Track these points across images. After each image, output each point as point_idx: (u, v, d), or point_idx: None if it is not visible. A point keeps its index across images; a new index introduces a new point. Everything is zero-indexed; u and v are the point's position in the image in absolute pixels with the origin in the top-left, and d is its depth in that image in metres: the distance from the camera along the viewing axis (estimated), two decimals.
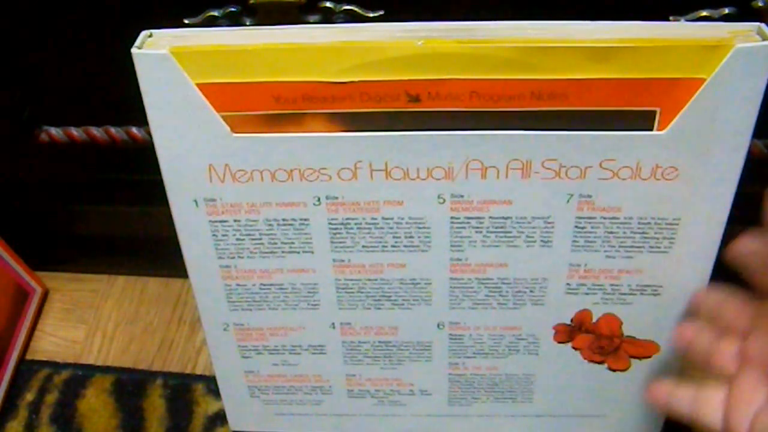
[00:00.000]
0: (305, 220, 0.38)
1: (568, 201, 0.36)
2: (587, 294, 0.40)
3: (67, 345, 0.56)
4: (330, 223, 0.38)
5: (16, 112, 0.47)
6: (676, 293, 0.39)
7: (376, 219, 0.38)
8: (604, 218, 0.37)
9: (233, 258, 0.40)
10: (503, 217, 0.37)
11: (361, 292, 0.41)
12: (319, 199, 0.37)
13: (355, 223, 0.38)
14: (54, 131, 0.48)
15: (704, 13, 0.38)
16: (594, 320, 0.41)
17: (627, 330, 0.41)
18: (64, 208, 0.55)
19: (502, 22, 0.33)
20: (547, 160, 0.35)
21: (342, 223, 0.38)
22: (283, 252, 0.39)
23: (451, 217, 0.37)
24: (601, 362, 0.43)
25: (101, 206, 0.54)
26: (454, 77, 0.33)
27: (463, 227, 0.38)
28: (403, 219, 0.38)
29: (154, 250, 0.55)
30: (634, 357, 0.43)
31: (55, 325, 0.57)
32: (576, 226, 0.37)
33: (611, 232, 0.37)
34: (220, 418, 0.50)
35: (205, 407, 0.51)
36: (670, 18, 0.38)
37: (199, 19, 0.40)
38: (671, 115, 0.33)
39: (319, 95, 0.34)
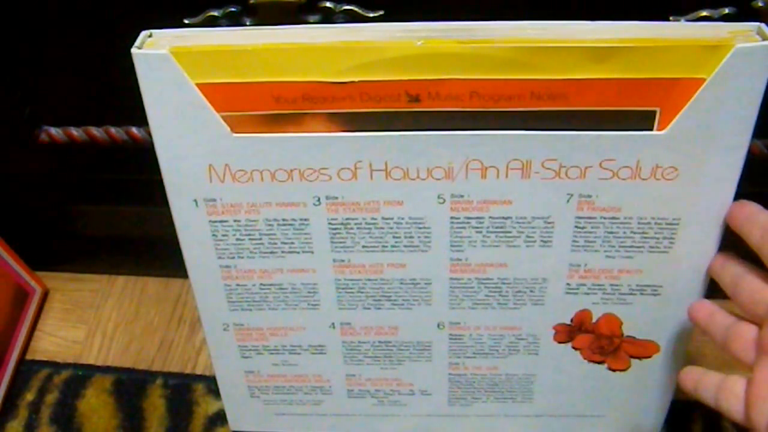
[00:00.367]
0: (305, 220, 0.38)
1: (568, 201, 0.36)
2: (587, 294, 0.40)
3: (67, 345, 0.56)
4: (330, 223, 0.38)
5: (16, 112, 0.47)
6: (676, 293, 0.39)
7: (376, 219, 0.38)
8: (604, 218, 0.37)
9: (233, 258, 0.40)
10: (503, 217, 0.37)
11: (361, 292, 0.41)
12: (319, 199, 0.37)
13: (355, 223, 0.38)
14: (54, 131, 0.48)
15: (704, 13, 0.38)
16: (594, 320, 0.41)
17: (627, 330, 0.41)
18: (64, 208, 0.55)
19: (502, 22, 0.33)
20: (547, 160, 0.35)
21: (342, 223, 0.38)
22: (283, 252, 0.39)
23: (451, 217, 0.37)
24: (601, 362, 0.43)
25: (101, 206, 0.54)
26: (454, 77, 0.33)
27: (463, 227, 0.38)
28: (403, 219, 0.38)
29: (154, 250, 0.55)
30: (634, 357, 0.43)
31: (55, 325, 0.57)
32: (576, 226, 0.37)
33: (611, 232, 0.37)
34: (220, 418, 0.50)
35: (205, 407, 0.51)
36: (670, 18, 0.38)
37: (199, 19, 0.40)
38: (671, 115, 0.33)
39: (319, 95, 0.34)
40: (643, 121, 0.34)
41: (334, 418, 0.48)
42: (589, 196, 0.36)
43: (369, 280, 0.40)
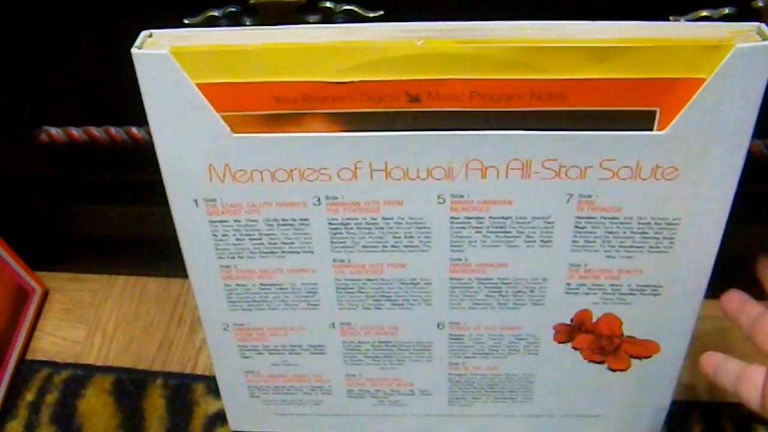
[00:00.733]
0: (305, 220, 0.38)
1: (568, 201, 0.36)
2: (587, 294, 0.40)
3: (67, 345, 0.56)
4: (330, 223, 0.38)
5: (16, 112, 0.47)
6: (676, 293, 0.39)
7: (376, 219, 0.38)
8: (604, 218, 0.37)
9: (233, 258, 0.40)
10: (503, 217, 0.37)
11: (361, 292, 0.41)
12: (319, 199, 0.37)
13: (355, 223, 0.38)
14: (54, 131, 0.48)
15: (704, 13, 0.38)
16: (594, 320, 0.41)
17: (627, 330, 0.41)
18: (64, 208, 0.55)
19: (502, 22, 0.33)
20: (547, 160, 0.35)
21: (342, 223, 0.38)
22: (283, 252, 0.39)
23: (451, 217, 0.37)
24: (601, 362, 0.43)
25: (101, 206, 0.55)
26: (454, 77, 0.33)
27: (463, 227, 0.38)
28: (403, 219, 0.38)
29: (154, 250, 0.55)
30: (634, 357, 0.43)
31: (55, 325, 0.57)
32: (576, 226, 0.37)
33: (611, 232, 0.37)
34: (220, 418, 0.50)
35: (205, 407, 0.51)
36: (670, 18, 0.38)
37: (199, 19, 0.40)
38: (671, 115, 0.33)
39: (319, 95, 0.34)
40: (643, 121, 0.34)
41: (334, 418, 0.48)
42: (589, 196, 0.36)
43: (369, 280, 0.40)
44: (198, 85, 0.33)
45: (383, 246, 0.39)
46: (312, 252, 0.39)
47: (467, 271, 0.39)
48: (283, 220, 0.38)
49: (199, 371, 0.54)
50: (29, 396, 0.53)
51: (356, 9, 0.39)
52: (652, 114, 0.33)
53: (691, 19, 0.38)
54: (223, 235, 0.39)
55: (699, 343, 0.49)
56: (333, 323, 0.42)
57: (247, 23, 0.40)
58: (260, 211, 0.38)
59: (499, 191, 0.36)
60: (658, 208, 0.36)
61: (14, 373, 0.53)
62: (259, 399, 0.47)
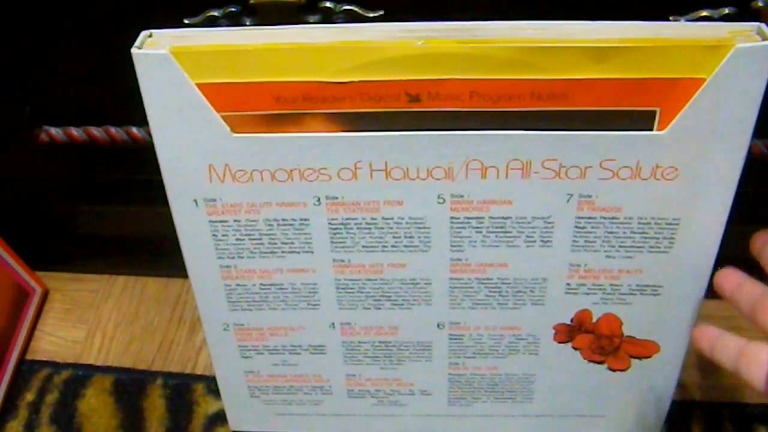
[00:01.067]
0: (305, 220, 0.38)
1: (568, 201, 0.36)
2: (587, 294, 0.40)
3: (67, 345, 0.56)
4: (330, 223, 0.38)
5: (16, 112, 0.47)
6: (676, 293, 0.39)
7: (376, 219, 0.38)
8: (604, 218, 0.37)
9: (233, 258, 0.40)
10: (503, 217, 0.37)
11: (361, 292, 0.41)
12: (319, 199, 0.37)
13: (355, 223, 0.38)
14: (54, 131, 0.48)
15: (704, 13, 0.38)
16: (594, 320, 0.41)
17: (627, 330, 0.41)
18: (64, 208, 0.55)
19: (502, 22, 0.33)
20: (547, 160, 0.35)
21: (342, 223, 0.38)
22: (283, 252, 0.39)
23: (451, 217, 0.37)
24: (601, 362, 0.43)
25: (101, 206, 0.55)
26: (454, 77, 0.33)
27: (463, 227, 0.38)
28: (403, 219, 0.38)
29: (154, 250, 0.55)
30: (634, 357, 0.43)
31: (55, 325, 0.57)
32: (576, 226, 0.37)
33: (611, 232, 0.37)
34: (220, 418, 0.50)
35: (205, 407, 0.51)
36: (670, 18, 0.38)
37: (199, 19, 0.40)
38: (671, 115, 0.33)
39: (319, 95, 0.34)
40: (643, 121, 0.34)
41: (334, 418, 0.48)
42: (589, 196, 0.36)
43: (369, 280, 0.40)
44: (198, 85, 0.33)
45: (383, 246, 0.39)
46: (312, 252, 0.39)
47: (467, 271, 0.39)
48: (283, 220, 0.38)
49: (199, 371, 0.54)
50: (29, 396, 0.53)
51: (356, 9, 0.39)
52: (652, 114, 0.33)
53: (691, 19, 0.38)
54: (223, 235, 0.39)
55: None
56: (333, 323, 0.42)
57: (247, 23, 0.40)
58: (260, 211, 0.38)
59: (499, 191, 0.36)
60: (658, 208, 0.36)
61: (14, 373, 0.53)
62: (259, 399, 0.47)
